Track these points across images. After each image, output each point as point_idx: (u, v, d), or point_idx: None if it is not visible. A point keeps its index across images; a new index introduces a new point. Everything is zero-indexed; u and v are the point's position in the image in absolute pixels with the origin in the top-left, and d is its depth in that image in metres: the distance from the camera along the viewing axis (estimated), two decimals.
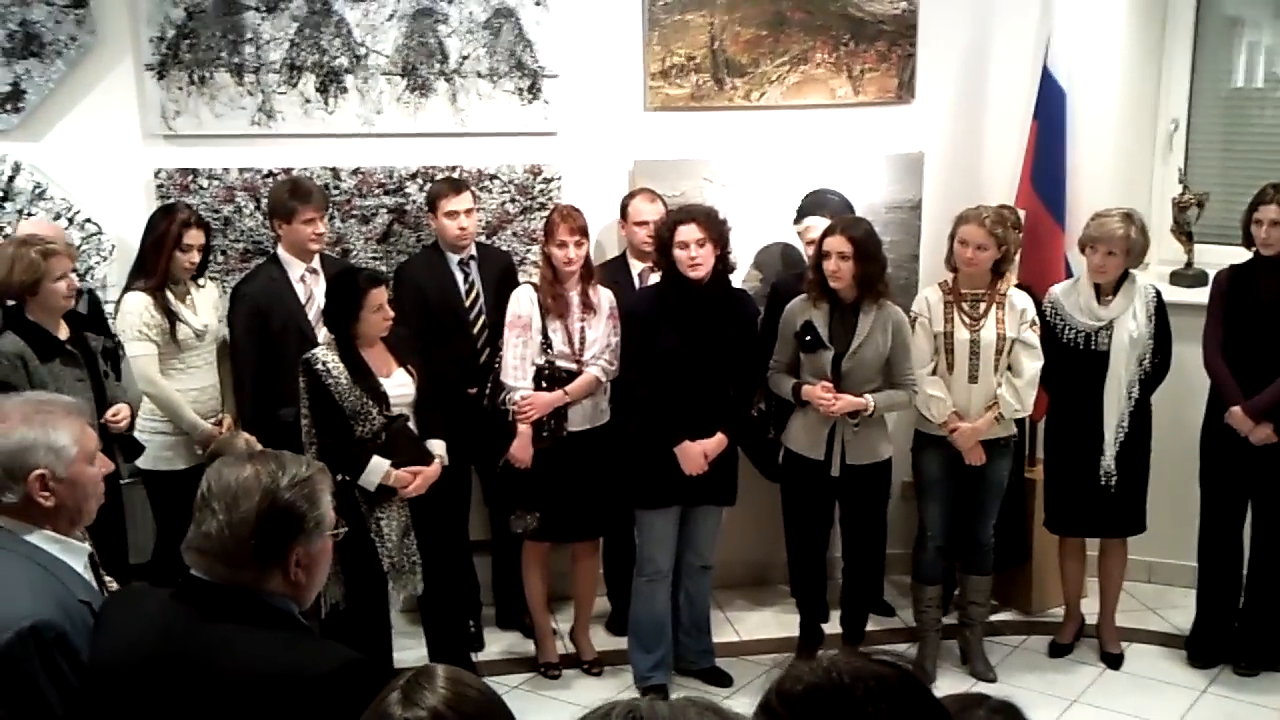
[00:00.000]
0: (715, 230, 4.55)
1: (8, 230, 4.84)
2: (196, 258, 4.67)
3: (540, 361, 4.77)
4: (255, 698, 2.02)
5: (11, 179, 4.91)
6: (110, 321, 4.78)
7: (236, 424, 4.77)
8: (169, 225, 4.59)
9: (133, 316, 4.55)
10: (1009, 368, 4.78)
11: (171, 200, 4.93)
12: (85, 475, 2.40)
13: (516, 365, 4.77)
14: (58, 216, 4.94)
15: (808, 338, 4.67)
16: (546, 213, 5.03)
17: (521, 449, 4.76)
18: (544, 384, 4.76)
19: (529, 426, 4.75)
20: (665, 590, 4.85)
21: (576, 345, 4.80)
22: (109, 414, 4.30)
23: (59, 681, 2.19)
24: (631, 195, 5.20)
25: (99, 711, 2.16)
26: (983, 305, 4.78)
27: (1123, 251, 4.76)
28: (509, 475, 4.85)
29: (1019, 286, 5.02)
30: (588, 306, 4.82)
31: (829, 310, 4.67)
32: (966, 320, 4.79)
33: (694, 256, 4.52)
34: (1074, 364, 4.89)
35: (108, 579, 2.50)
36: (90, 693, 2.19)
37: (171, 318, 4.59)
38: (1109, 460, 4.91)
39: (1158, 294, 4.93)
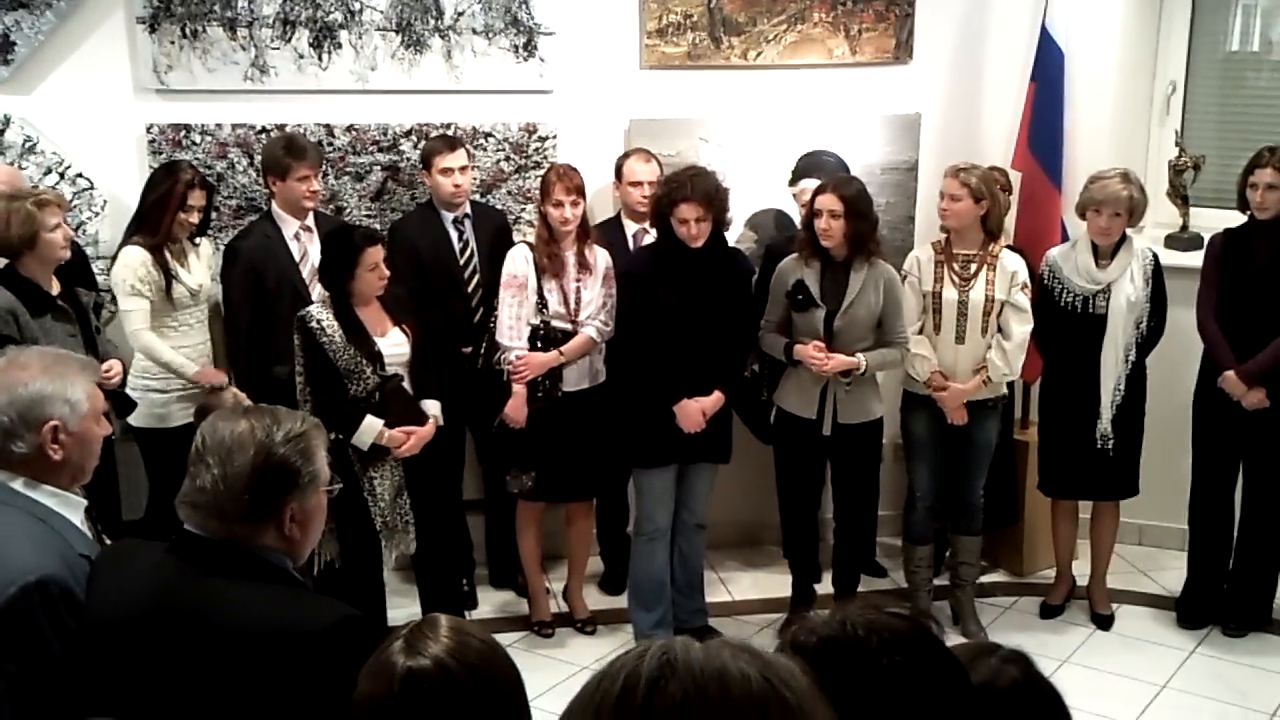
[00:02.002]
0: (715, 207, 4.53)
1: None
2: (197, 219, 4.65)
3: (535, 321, 4.76)
4: (251, 652, 2.02)
5: (2, 132, 4.87)
6: (102, 276, 4.77)
7: (231, 380, 4.76)
8: (173, 185, 4.56)
9: (129, 270, 4.52)
10: (999, 330, 4.79)
11: (171, 157, 4.89)
12: (92, 433, 2.42)
13: (512, 325, 4.76)
14: (49, 171, 4.91)
15: (799, 296, 4.66)
16: (541, 171, 5.00)
17: (516, 409, 4.76)
18: (539, 344, 4.76)
19: (524, 387, 4.75)
20: (664, 549, 4.86)
21: (572, 305, 4.79)
22: (101, 369, 4.28)
23: (64, 636, 2.19)
24: (626, 155, 5.17)
25: (95, 666, 2.16)
26: (973, 266, 4.78)
27: (1127, 212, 4.77)
28: (504, 435, 4.85)
29: (1012, 249, 5.02)
30: (584, 266, 4.80)
31: (820, 269, 4.67)
32: (956, 280, 4.79)
33: (693, 233, 4.51)
34: (1071, 327, 4.89)
35: (104, 537, 2.50)
36: (85, 647, 2.19)
37: (168, 276, 4.57)
38: (1105, 423, 4.92)
39: (1155, 257, 4.94)
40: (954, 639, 5.05)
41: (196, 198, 4.61)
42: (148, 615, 2.11)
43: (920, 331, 4.82)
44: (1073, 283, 4.88)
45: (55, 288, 4.29)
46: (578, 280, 4.80)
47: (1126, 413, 4.94)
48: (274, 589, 2.12)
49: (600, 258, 4.85)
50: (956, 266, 4.79)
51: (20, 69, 4.88)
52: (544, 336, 4.76)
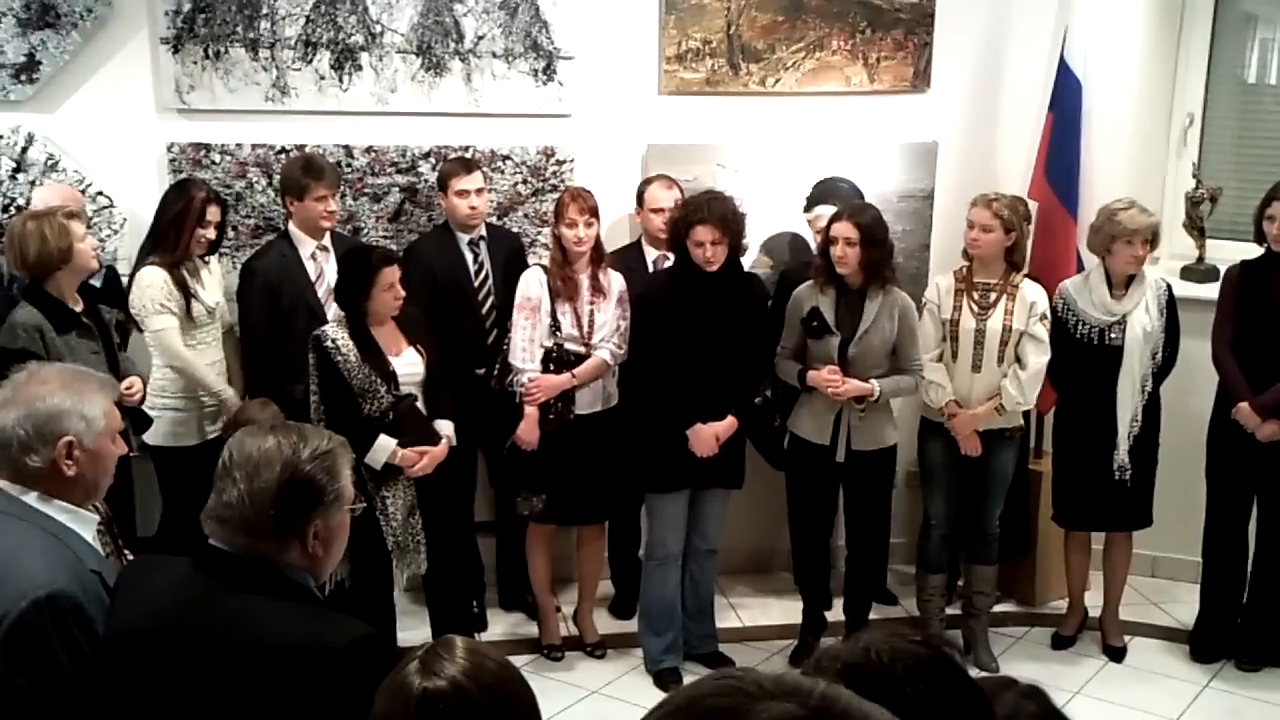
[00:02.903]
0: (731, 231, 4.54)
1: (20, 201, 4.85)
2: (213, 234, 4.68)
3: (548, 344, 4.77)
4: (271, 668, 2.03)
5: (25, 150, 4.91)
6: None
7: (244, 399, 4.78)
8: (189, 202, 4.59)
9: (153, 290, 4.54)
10: (1017, 360, 4.78)
11: (184, 176, 4.92)
12: (107, 450, 2.43)
13: (524, 347, 4.77)
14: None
15: (814, 323, 4.67)
16: (558, 195, 5.02)
17: (528, 431, 4.76)
18: (552, 366, 4.76)
19: (536, 409, 4.75)
20: (675, 574, 4.86)
21: (585, 328, 4.80)
22: (122, 386, 4.30)
23: (74, 651, 2.20)
24: (648, 182, 5.18)
25: (116, 679, 2.17)
26: (993, 295, 4.78)
27: (1154, 238, 4.78)
28: (515, 457, 4.85)
29: (1030, 278, 5.02)
30: (597, 289, 4.81)
31: (836, 296, 4.67)
32: (975, 309, 4.79)
33: (709, 256, 4.51)
34: (1087, 359, 4.88)
35: (125, 551, 2.51)
36: (108, 660, 2.19)
37: (187, 295, 4.60)
38: (1122, 454, 4.90)
39: (1169, 287, 4.94)
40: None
41: (213, 213, 4.65)
42: (170, 629, 2.12)
43: (939, 359, 4.82)
44: (1088, 314, 4.87)
45: (79, 305, 4.32)
46: (591, 303, 4.80)
47: (1142, 443, 4.92)
48: (295, 606, 2.13)
49: (614, 281, 4.85)
50: (976, 295, 4.80)
51: (45, 88, 4.92)
52: (556, 359, 4.76)
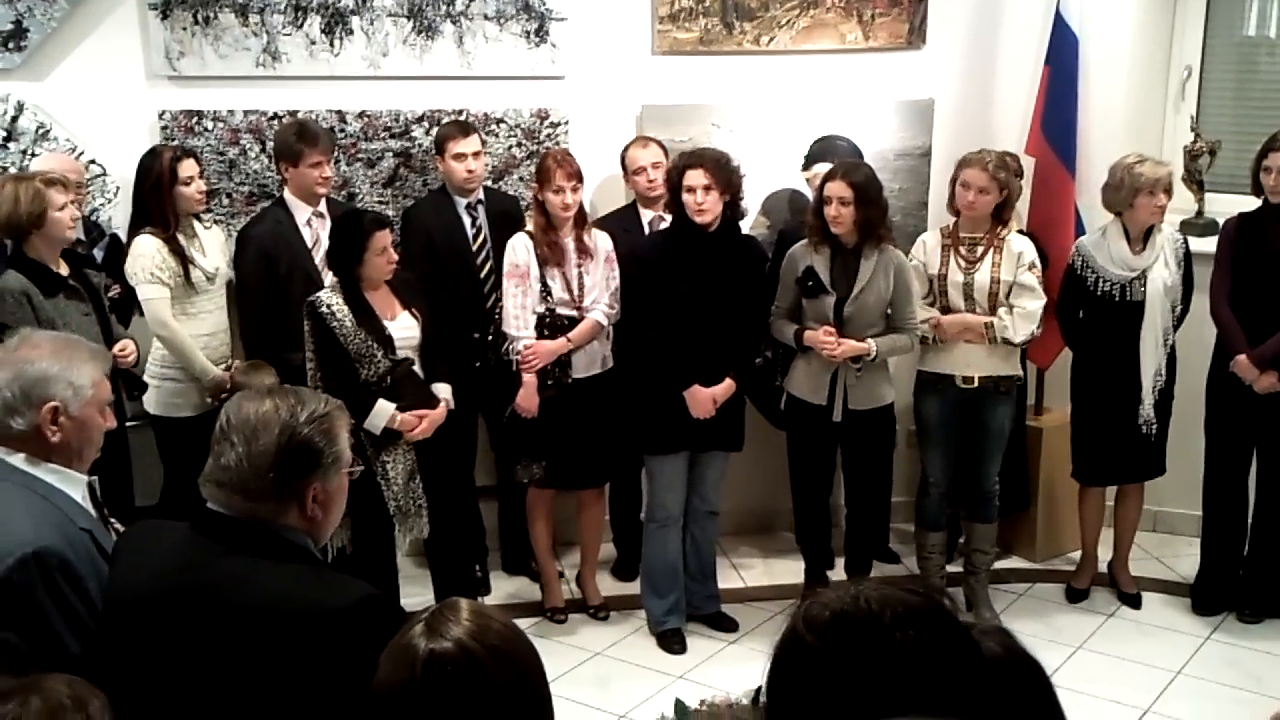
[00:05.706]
0: (722, 176, 4.51)
1: (12, 170, 4.81)
2: (203, 186, 4.64)
3: (540, 310, 4.74)
4: (275, 630, 2.03)
5: (15, 119, 4.88)
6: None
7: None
8: (160, 169, 4.53)
9: (145, 259, 4.51)
10: (1011, 308, 4.77)
11: (183, 143, 4.87)
12: (94, 420, 2.44)
13: (517, 315, 4.74)
14: None
15: (809, 283, 4.65)
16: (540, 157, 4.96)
17: (527, 399, 4.74)
18: (545, 332, 4.74)
19: (533, 376, 4.73)
20: (676, 535, 4.86)
21: (575, 292, 4.77)
22: (116, 349, 4.29)
23: (64, 608, 2.21)
24: (626, 147, 5.16)
25: (119, 641, 2.17)
26: (980, 248, 4.77)
27: (1170, 187, 4.80)
28: (515, 425, 4.84)
29: (1025, 234, 5.00)
30: (584, 251, 4.78)
31: (830, 255, 4.66)
32: (962, 263, 4.78)
33: (700, 202, 4.49)
34: (1109, 315, 4.89)
35: (112, 519, 2.50)
36: (110, 623, 2.20)
37: (185, 261, 4.57)
38: (1148, 408, 4.92)
39: (1184, 240, 4.95)
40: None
41: (187, 167, 4.58)
42: (171, 592, 2.12)
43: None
44: (1109, 271, 4.86)
45: (64, 269, 4.29)
46: (579, 265, 4.77)
47: (1162, 395, 4.95)
48: (296, 568, 2.13)
49: (599, 241, 4.83)
50: (963, 250, 4.79)
51: (33, 56, 4.88)
52: (550, 324, 4.74)
